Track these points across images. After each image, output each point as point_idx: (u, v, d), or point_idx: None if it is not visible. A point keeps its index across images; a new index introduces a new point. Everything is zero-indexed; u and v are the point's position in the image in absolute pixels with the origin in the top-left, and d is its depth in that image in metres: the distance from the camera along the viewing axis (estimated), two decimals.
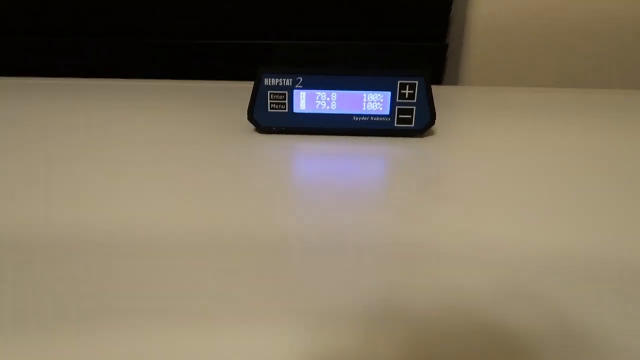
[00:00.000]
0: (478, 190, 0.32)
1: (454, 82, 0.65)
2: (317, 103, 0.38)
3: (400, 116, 0.38)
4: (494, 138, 0.40)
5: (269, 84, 0.38)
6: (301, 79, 0.38)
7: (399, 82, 0.37)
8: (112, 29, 0.64)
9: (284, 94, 0.38)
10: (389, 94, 0.38)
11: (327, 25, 0.64)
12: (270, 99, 0.38)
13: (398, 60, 0.42)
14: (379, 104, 0.38)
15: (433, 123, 0.39)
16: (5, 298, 0.21)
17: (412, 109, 0.38)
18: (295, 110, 0.39)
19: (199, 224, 0.27)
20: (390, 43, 0.64)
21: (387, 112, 0.38)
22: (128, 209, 0.29)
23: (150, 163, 0.35)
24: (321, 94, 0.38)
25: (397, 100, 0.38)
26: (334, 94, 0.38)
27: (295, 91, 0.38)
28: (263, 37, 0.65)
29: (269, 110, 0.39)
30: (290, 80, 0.38)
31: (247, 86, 0.39)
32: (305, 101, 0.38)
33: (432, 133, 0.41)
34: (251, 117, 0.39)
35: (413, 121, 0.39)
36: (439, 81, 0.67)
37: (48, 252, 0.24)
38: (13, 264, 0.24)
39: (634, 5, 0.59)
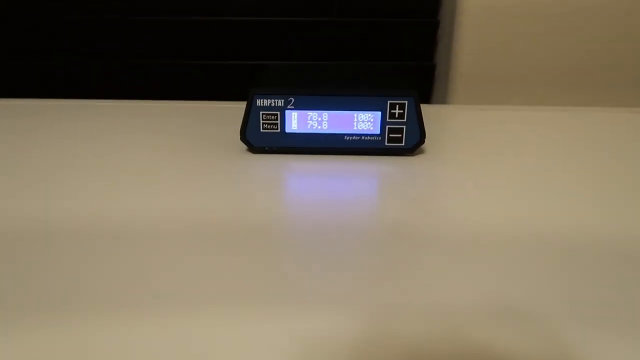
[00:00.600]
0: (469, 207, 0.32)
1: (442, 101, 0.66)
2: (309, 123, 0.39)
3: (390, 135, 0.39)
4: (484, 156, 0.41)
5: (261, 104, 0.38)
6: (293, 100, 0.38)
7: (389, 102, 0.38)
8: (102, 50, 0.65)
9: (276, 115, 0.39)
10: (379, 113, 0.39)
11: (317, 45, 0.65)
12: (263, 120, 0.39)
13: (388, 79, 0.43)
14: (369, 123, 0.39)
15: (423, 142, 0.39)
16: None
17: (402, 128, 0.39)
18: (288, 130, 0.39)
19: (192, 243, 0.27)
20: (379, 63, 0.66)
21: (378, 132, 0.39)
22: (119, 233, 0.29)
23: (142, 184, 0.35)
24: (313, 114, 0.39)
25: (388, 119, 0.39)
26: (326, 114, 0.39)
27: (287, 111, 0.39)
28: (254, 58, 0.65)
29: (261, 130, 0.39)
30: (282, 100, 0.38)
31: (239, 106, 0.39)
32: (297, 121, 0.39)
33: (422, 151, 0.41)
34: (244, 138, 0.39)
35: (403, 140, 0.39)
36: (427, 100, 0.68)
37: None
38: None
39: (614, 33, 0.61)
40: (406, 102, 0.38)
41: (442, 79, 0.65)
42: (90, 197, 0.33)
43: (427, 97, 0.68)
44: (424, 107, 0.39)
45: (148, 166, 0.38)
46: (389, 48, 0.65)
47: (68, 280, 0.24)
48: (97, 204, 0.32)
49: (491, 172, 0.38)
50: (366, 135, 0.39)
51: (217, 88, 0.66)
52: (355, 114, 0.39)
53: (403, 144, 0.39)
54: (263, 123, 0.39)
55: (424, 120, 0.39)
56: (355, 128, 0.39)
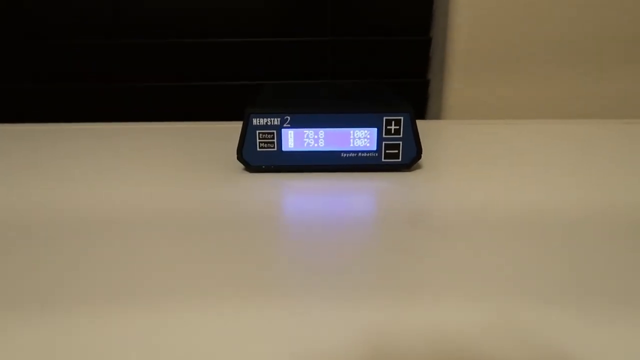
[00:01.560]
0: (467, 222, 0.32)
1: (437, 116, 0.66)
2: (306, 141, 0.39)
3: (387, 151, 0.39)
4: (480, 169, 0.41)
5: (257, 123, 0.38)
6: (289, 118, 0.38)
7: (384, 118, 0.38)
8: (95, 74, 0.65)
9: (273, 133, 0.39)
10: (375, 130, 0.39)
11: (311, 65, 0.65)
12: (259, 139, 0.39)
13: (382, 96, 0.43)
14: (366, 140, 0.39)
15: (420, 157, 0.39)
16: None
17: (399, 144, 0.39)
18: (284, 148, 0.39)
19: (189, 262, 0.27)
20: (373, 80, 0.66)
21: (375, 148, 0.39)
22: (111, 263, 0.28)
23: (138, 206, 0.34)
24: (309, 132, 0.39)
25: (384, 135, 0.39)
26: (322, 131, 0.39)
27: (283, 130, 0.39)
28: (249, 78, 0.66)
29: (258, 149, 0.39)
30: (278, 119, 0.38)
31: (236, 126, 0.39)
32: (294, 140, 0.39)
33: (419, 167, 0.41)
34: (241, 157, 0.39)
35: (400, 156, 0.39)
36: (422, 116, 0.69)
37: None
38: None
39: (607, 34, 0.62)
40: (402, 117, 0.38)
41: (436, 95, 0.66)
42: (82, 213, 0.32)
43: (421, 113, 0.69)
44: (419, 123, 0.39)
45: (143, 188, 0.38)
46: (382, 66, 0.66)
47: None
48: (89, 218, 0.31)
49: (489, 185, 0.38)
50: (363, 151, 0.39)
51: (213, 109, 0.67)
52: (351, 130, 0.39)
53: (400, 159, 0.39)
54: (260, 142, 0.39)
55: (420, 136, 0.39)
56: (351, 145, 0.39)
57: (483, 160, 0.43)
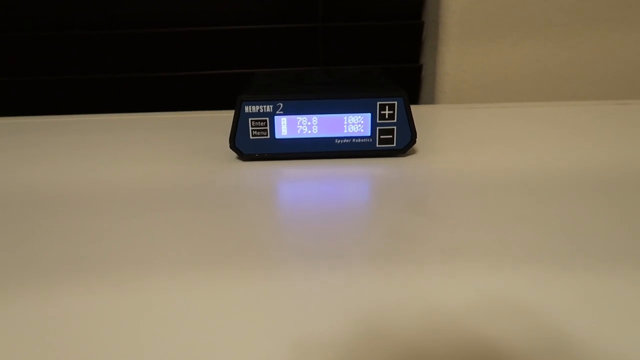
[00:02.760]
0: (464, 206, 0.32)
1: (430, 102, 0.66)
2: (299, 128, 0.39)
3: (381, 137, 0.39)
4: (475, 153, 0.41)
5: (250, 111, 0.38)
6: (281, 105, 0.38)
7: (378, 103, 0.38)
8: (87, 64, 0.64)
9: (265, 121, 0.38)
10: (369, 115, 0.38)
11: (303, 51, 0.65)
12: (252, 127, 0.38)
13: (375, 81, 0.42)
14: (359, 125, 0.39)
15: (414, 142, 0.39)
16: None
17: (393, 129, 0.39)
18: (277, 136, 0.39)
19: (188, 252, 0.27)
20: (366, 66, 0.65)
21: (369, 134, 0.39)
22: (108, 245, 0.28)
23: (132, 197, 0.34)
24: (302, 118, 0.38)
25: (378, 121, 0.38)
26: (315, 118, 0.38)
27: (276, 117, 0.38)
28: (241, 66, 0.65)
29: (251, 137, 0.39)
30: (271, 106, 0.38)
31: (227, 115, 0.39)
32: (287, 127, 0.39)
33: (413, 152, 0.41)
34: (233, 146, 0.39)
35: (394, 141, 0.39)
36: (415, 101, 0.68)
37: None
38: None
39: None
40: (396, 102, 0.38)
41: (429, 79, 0.66)
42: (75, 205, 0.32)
43: (414, 98, 0.68)
44: (413, 108, 0.39)
45: (134, 179, 0.37)
46: (374, 51, 0.65)
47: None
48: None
49: (484, 168, 0.38)
50: (357, 137, 0.39)
51: (204, 98, 0.66)
52: (345, 116, 0.38)
53: (394, 144, 0.39)
54: (252, 130, 0.38)
55: (414, 120, 0.39)
56: (345, 131, 0.39)
57: (478, 144, 0.43)
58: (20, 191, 0.35)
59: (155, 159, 0.41)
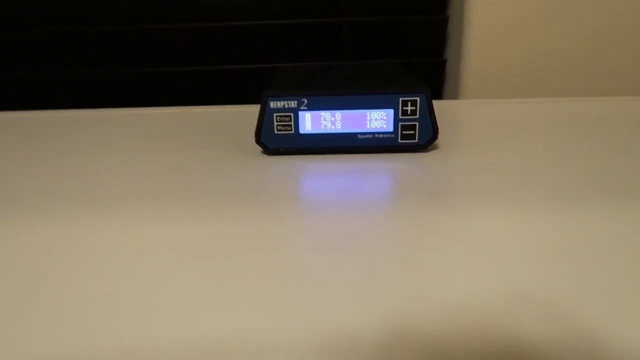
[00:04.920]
0: (486, 201, 0.32)
1: (454, 97, 0.66)
2: (323, 123, 0.39)
3: (403, 132, 0.39)
4: (497, 149, 0.41)
5: (275, 106, 0.39)
6: (306, 101, 0.39)
7: (401, 99, 0.38)
8: (114, 59, 0.66)
9: (290, 116, 0.39)
10: (392, 111, 0.39)
11: (327, 46, 0.65)
12: (277, 122, 0.39)
13: (399, 77, 0.43)
14: (382, 121, 0.39)
15: (436, 137, 0.40)
16: None
17: (415, 124, 0.39)
18: (302, 131, 0.40)
19: (211, 244, 0.28)
20: (390, 61, 0.66)
21: (391, 129, 0.39)
22: (137, 238, 0.29)
23: (159, 189, 0.35)
24: (326, 114, 0.39)
25: (400, 117, 0.39)
26: (339, 113, 0.39)
27: (300, 113, 0.39)
28: (265, 61, 0.66)
29: (276, 132, 0.40)
30: (295, 102, 0.39)
31: (251, 109, 0.40)
32: (311, 122, 0.39)
33: (436, 147, 0.41)
34: (259, 140, 0.40)
35: (416, 136, 0.39)
36: (439, 96, 0.68)
37: None
38: None
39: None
40: (418, 98, 0.38)
41: (453, 74, 0.65)
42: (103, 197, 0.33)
43: (438, 93, 0.68)
44: (436, 103, 0.39)
45: (160, 174, 0.38)
46: (398, 46, 0.65)
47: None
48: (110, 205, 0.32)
49: (506, 165, 0.38)
50: (379, 133, 0.40)
51: (229, 92, 0.67)
52: (368, 112, 0.39)
53: (416, 140, 0.40)
54: (277, 125, 0.39)
55: (436, 116, 0.39)
56: (368, 127, 0.39)
57: (500, 141, 0.43)
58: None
59: (180, 151, 0.42)
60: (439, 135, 0.40)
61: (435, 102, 0.39)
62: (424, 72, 0.66)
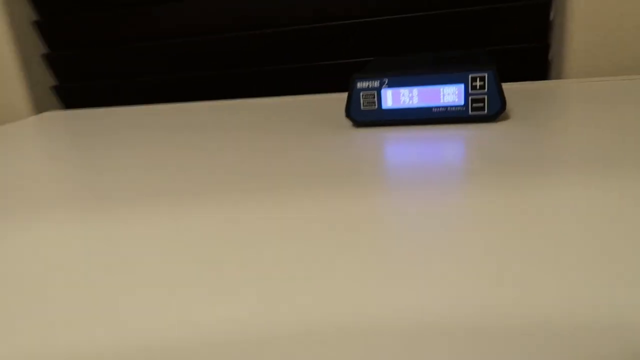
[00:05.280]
0: (546, 164, 0.36)
1: (558, 77, 0.67)
2: (402, 99, 0.46)
3: (474, 105, 0.44)
4: (571, 125, 0.44)
5: (361, 86, 0.47)
6: (387, 80, 0.46)
7: (470, 75, 0.44)
8: (242, 59, 0.79)
9: (374, 94, 0.47)
10: (462, 86, 0.44)
11: (429, 35, 0.71)
12: (363, 99, 0.47)
13: (472, 58, 0.48)
14: (454, 95, 0.45)
15: (504, 109, 0.44)
16: None
17: (484, 97, 0.44)
18: (384, 106, 0.47)
19: (307, 203, 0.36)
20: (493, 48, 0.69)
21: (462, 103, 0.45)
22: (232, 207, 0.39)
23: (266, 154, 0.45)
24: (404, 91, 0.46)
25: (470, 91, 0.44)
26: (415, 90, 0.45)
27: (382, 91, 0.46)
28: (361, 56, 0.74)
29: (362, 108, 0.47)
30: (378, 82, 0.46)
31: (341, 96, 0.47)
32: (392, 98, 0.46)
33: (506, 118, 0.46)
34: (348, 115, 0.48)
35: (485, 108, 0.44)
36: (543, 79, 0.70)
37: None
38: None
39: None
40: (486, 74, 0.43)
41: (557, 59, 0.67)
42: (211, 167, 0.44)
43: (543, 77, 0.70)
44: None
45: (270, 145, 0.48)
46: (500, 32, 0.69)
47: None
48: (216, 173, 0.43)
49: (579, 138, 0.41)
50: (452, 106, 0.45)
51: (328, 84, 0.76)
52: (441, 88, 0.45)
53: (485, 112, 0.44)
54: (363, 101, 0.47)
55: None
56: (442, 101, 0.45)
57: (573, 118, 0.46)
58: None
59: (287, 126, 0.52)
60: (513, 110, 0.44)
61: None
62: (527, 57, 0.68)
